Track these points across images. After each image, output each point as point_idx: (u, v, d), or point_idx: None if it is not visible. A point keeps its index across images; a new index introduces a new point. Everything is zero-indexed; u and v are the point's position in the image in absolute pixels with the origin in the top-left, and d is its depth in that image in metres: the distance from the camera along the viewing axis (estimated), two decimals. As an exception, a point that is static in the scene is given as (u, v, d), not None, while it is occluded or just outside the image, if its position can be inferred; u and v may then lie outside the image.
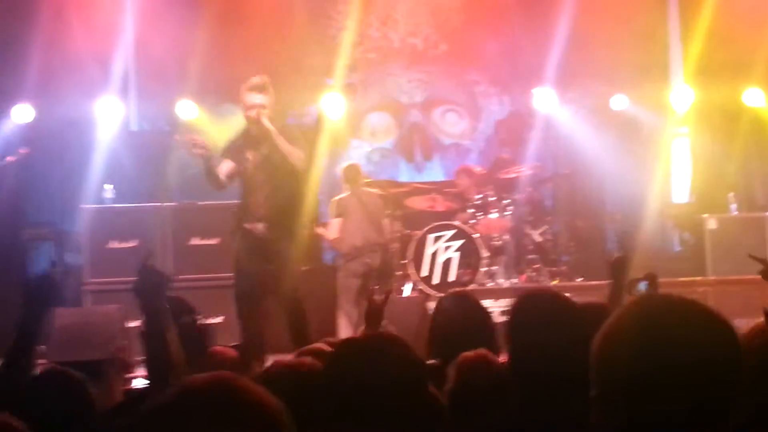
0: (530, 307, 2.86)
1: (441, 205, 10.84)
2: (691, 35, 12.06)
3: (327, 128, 10.73)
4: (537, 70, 12.12)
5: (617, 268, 4.40)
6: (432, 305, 8.93)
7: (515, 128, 12.66)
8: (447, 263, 10.20)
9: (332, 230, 9.73)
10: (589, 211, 11.90)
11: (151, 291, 3.17)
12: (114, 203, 10.45)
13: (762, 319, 2.47)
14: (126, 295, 8.21)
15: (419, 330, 7.98)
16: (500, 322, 3.07)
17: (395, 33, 13.14)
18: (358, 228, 9.60)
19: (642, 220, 11.52)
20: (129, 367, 7.03)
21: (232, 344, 6.89)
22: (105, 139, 11.65)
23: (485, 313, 4.28)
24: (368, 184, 10.25)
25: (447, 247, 10.24)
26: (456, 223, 10.46)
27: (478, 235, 10.26)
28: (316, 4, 12.81)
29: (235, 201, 8.71)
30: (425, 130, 13.12)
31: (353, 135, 12.71)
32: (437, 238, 10.28)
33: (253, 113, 7.41)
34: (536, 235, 10.73)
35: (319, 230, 9.73)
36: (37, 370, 3.54)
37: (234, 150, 7.63)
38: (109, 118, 11.68)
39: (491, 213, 10.50)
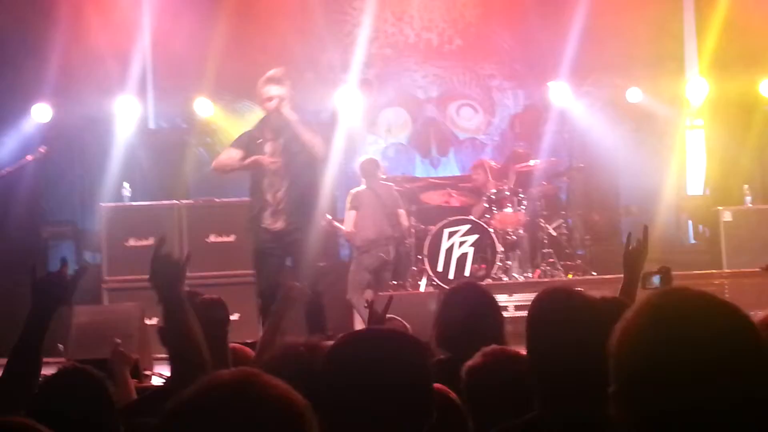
0: (549, 304, 2.82)
1: (456, 200, 10.85)
2: (706, 27, 12.03)
3: (343, 124, 10.77)
4: (552, 63, 12.12)
5: (631, 262, 4.37)
6: (447, 300, 9.01)
7: (530, 122, 12.66)
8: (462, 258, 10.22)
9: (347, 223, 9.79)
10: (605, 205, 11.88)
11: (166, 280, 3.00)
12: (132, 201, 10.53)
13: None
14: (144, 293, 8.31)
15: (433, 325, 8.01)
16: (516, 317, 3.01)
17: (410, 28, 13.16)
18: (372, 221, 9.65)
19: (657, 213, 11.52)
20: (136, 361, 7.08)
21: (249, 341, 6.98)
22: (123, 137, 11.74)
23: (493, 304, 4.26)
24: (385, 179, 10.31)
25: (462, 242, 10.25)
26: (471, 217, 10.47)
27: (493, 229, 10.27)
28: (331, 0, 12.84)
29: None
30: (440, 125, 13.14)
31: (369, 130, 12.75)
32: (452, 233, 10.29)
33: (272, 104, 7.46)
34: (551, 229, 10.72)
35: (335, 224, 9.79)
36: (56, 368, 3.58)
37: (250, 142, 7.65)
38: (127, 117, 11.76)
39: (506, 207, 10.50)
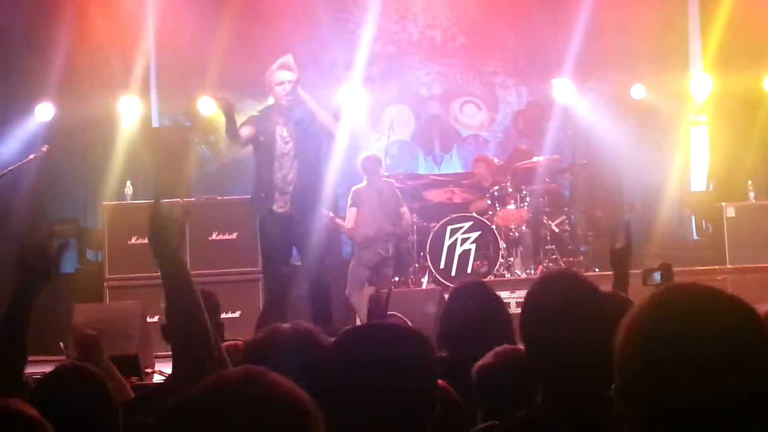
0: (547, 293, 2.75)
1: (459, 197, 10.85)
2: (710, 23, 11.99)
3: (346, 122, 10.77)
4: (555, 60, 12.10)
5: (619, 260, 4.35)
6: (450, 297, 9.02)
7: (533, 119, 12.64)
8: (465, 255, 10.21)
9: (348, 220, 9.81)
10: (608, 201, 11.85)
11: (166, 239, 2.77)
12: (134, 199, 10.54)
13: None
14: (146, 291, 8.38)
15: (437, 322, 8.02)
16: (518, 313, 2.95)
17: (414, 26, 13.16)
18: (372, 218, 9.65)
19: (660, 209, 11.50)
20: (138, 361, 7.09)
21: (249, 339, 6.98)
22: (126, 135, 11.76)
23: (500, 303, 4.25)
24: (387, 176, 10.31)
25: (465, 239, 10.25)
26: (473, 214, 10.47)
27: (495, 226, 10.27)
28: (335, -1, 12.88)
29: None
30: (444, 123, 13.14)
31: (372, 128, 12.75)
32: (455, 230, 10.29)
33: (284, 88, 7.56)
34: (554, 226, 10.71)
35: (336, 221, 9.80)
36: (55, 366, 3.58)
37: (261, 122, 7.74)
38: (130, 115, 11.78)
39: (509, 204, 10.49)
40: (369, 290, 9.51)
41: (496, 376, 3.21)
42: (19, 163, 9.59)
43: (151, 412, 3.45)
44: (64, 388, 3.30)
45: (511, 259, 10.38)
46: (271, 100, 10.57)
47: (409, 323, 7.58)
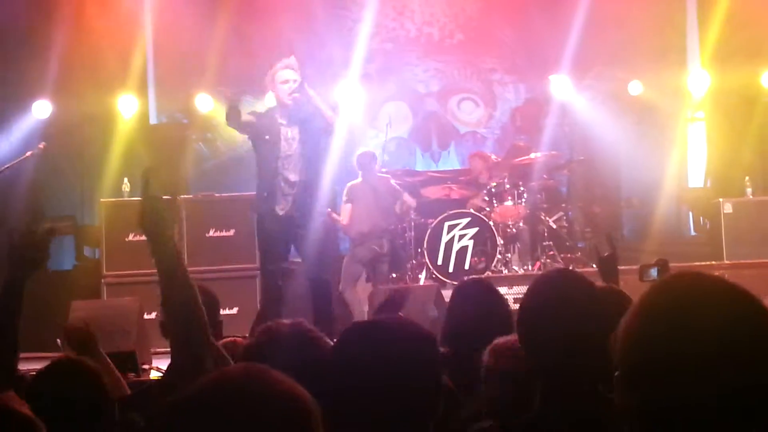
0: (545, 290, 2.77)
1: (456, 193, 10.86)
2: (708, 20, 12.00)
3: (344, 119, 10.76)
4: (553, 57, 12.10)
5: (606, 267, 4.38)
6: (448, 293, 9.02)
7: (531, 115, 12.64)
8: (462, 251, 10.22)
9: (343, 216, 9.81)
10: (605, 197, 11.88)
11: (159, 220, 2.71)
12: (131, 196, 10.54)
13: None
14: (143, 288, 8.37)
15: (434, 318, 8.02)
16: (516, 309, 2.94)
17: (411, 23, 13.15)
18: (367, 214, 9.65)
19: (658, 205, 11.51)
20: (135, 357, 7.09)
21: (247, 335, 6.98)
22: (123, 133, 11.76)
23: (501, 300, 4.25)
24: (385, 171, 10.32)
25: (462, 235, 10.25)
26: (471, 210, 10.47)
27: (493, 222, 10.27)
28: (333, -5, 12.87)
29: (251, 192, 8.79)
30: (441, 119, 13.14)
31: (370, 125, 12.74)
32: (452, 226, 10.29)
33: (289, 86, 7.54)
34: (551, 222, 10.72)
35: (333, 216, 9.81)
36: (52, 360, 3.58)
37: (264, 120, 7.71)
38: (127, 112, 11.78)
39: (506, 200, 10.49)
40: (365, 287, 9.52)
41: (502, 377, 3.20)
42: (17, 161, 9.59)
43: (145, 409, 3.46)
44: (61, 382, 3.31)
45: (509, 255, 10.38)
46: (269, 100, 10.58)
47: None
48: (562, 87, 11.98)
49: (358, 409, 2.26)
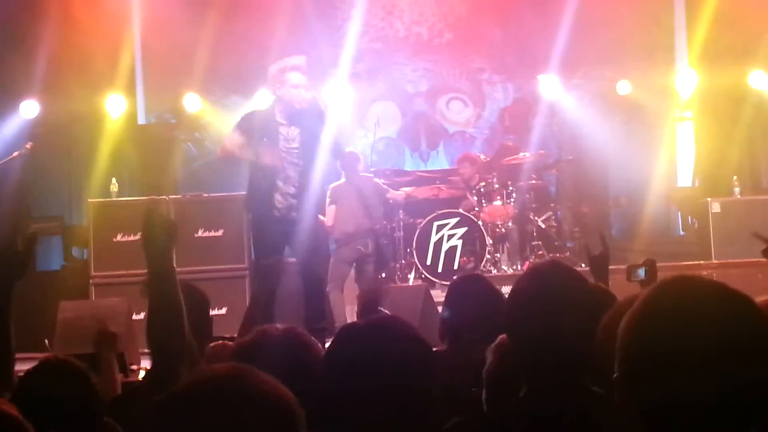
0: (534, 284, 2.71)
1: (445, 193, 10.86)
2: (696, 19, 12.03)
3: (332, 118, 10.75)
4: (542, 56, 12.12)
5: (598, 267, 4.38)
6: (437, 293, 9.03)
7: (520, 115, 12.65)
8: (451, 251, 10.23)
9: (328, 217, 9.78)
10: (594, 197, 11.90)
11: (160, 243, 2.79)
12: (119, 196, 10.52)
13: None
14: (132, 288, 8.35)
15: (423, 318, 8.02)
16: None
17: (400, 22, 13.16)
18: (351, 215, 9.61)
19: (646, 205, 11.54)
20: (121, 354, 7.07)
21: (236, 335, 6.97)
22: (111, 132, 11.73)
23: (498, 295, 4.25)
24: (373, 170, 10.31)
25: (451, 235, 10.26)
26: (460, 210, 10.48)
27: (482, 222, 10.28)
28: (322, -5, 12.86)
29: (240, 192, 8.77)
30: (430, 119, 13.14)
31: (359, 124, 12.74)
32: (441, 226, 10.30)
33: (299, 91, 7.36)
34: (540, 222, 10.74)
35: (319, 218, 9.79)
36: (39, 360, 3.56)
37: (260, 122, 7.53)
38: (115, 112, 11.75)
39: (495, 200, 10.51)
40: (353, 287, 9.50)
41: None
42: (4, 161, 9.57)
43: (136, 409, 3.45)
44: (49, 383, 3.29)
45: (498, 255, 10.40)
46: (258, 100, 10.57)
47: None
48: (550, 86, 12.00)
49: (353, 412, 2.24)
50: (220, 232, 9.84)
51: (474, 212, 10.41)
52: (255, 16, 12.25)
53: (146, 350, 6.92)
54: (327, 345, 2.68)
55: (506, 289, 9.19)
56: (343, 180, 9.82)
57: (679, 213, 12.23)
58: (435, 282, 10.01)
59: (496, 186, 10.54)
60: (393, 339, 2.33)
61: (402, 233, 10.38)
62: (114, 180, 10.64)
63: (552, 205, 11.21)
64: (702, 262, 9.98)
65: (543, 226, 10.75)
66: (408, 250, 10.32)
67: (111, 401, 4.03)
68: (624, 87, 12.01)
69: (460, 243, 10.22)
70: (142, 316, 7.90)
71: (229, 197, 9.87)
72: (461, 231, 10.26)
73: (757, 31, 11.55)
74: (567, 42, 11.86)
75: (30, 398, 3.20)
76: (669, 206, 12.22)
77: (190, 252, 9.48)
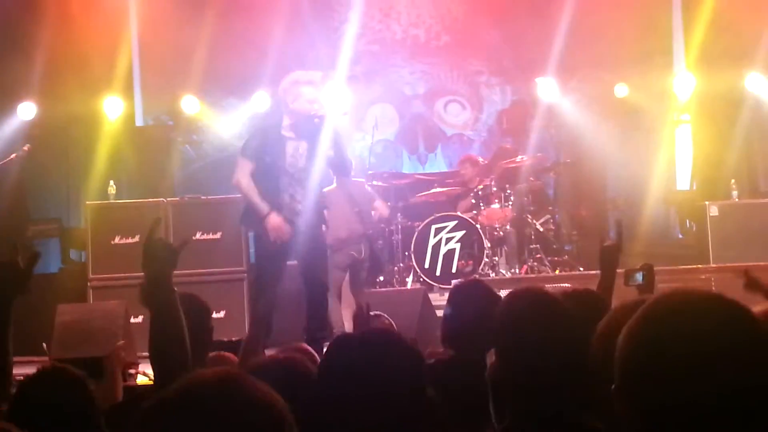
0: (517, 310, 2.78)
1: (443, 196, 10.87)
2: (693, 22, 12.03)
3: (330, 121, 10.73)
4: (539, 59, 12.11)
5: (607, 257, 4.34)
6: (435, 297, 9.02)
7: (518, 118, 12.66)
8: (449, 254, 10.22)
9: None
10: (592, 200, 11.91)
11: (160, 266, 2.84)
12: (117, 199, 10.50)
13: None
14: (130, 291, 8.34)
15: (422, 322, 8.01)
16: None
17: (398, 25, 13.15)
18: (344, 220, 9.52)
19: (644, 208, 11.54)
20: (129, 364, 7.05)
21: (235, 339, 6.96)
22: (109, 134, 11.72)
23: (498, 300, 4.26)
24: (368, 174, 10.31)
25: (449, 238, 10.26)
26: (458, 213, 10.49)
27: (480, 225, 10.28)
28: (319, -3, 12.86)
29: (238, 195, 8.73)
30: (428, 122, 13.14)
31: (356, 127, 12.73)
32: (439, 229, 10.30)
33: (316, 107, 7.21)
34: (538, 225, 10.74)
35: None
36: (36, 368, 3.55)
37: (264, 144, 7.38)
38: (113, 114, 11.73)
39: (493, 203, 10.51)
40: (349, 303, 9.44)
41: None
42: (1, 163, 9.55)
43: (131, 419, 3.44)
44: (47, 391, 3.28)
45: (496, 258, 10.40)
46: (256, 102, 10.54)
47: (393, 324, 7.59)
48: (548, 89, 12.00)
49: (346, 419, 2.26)
50: (218, 235, 9.82)
51: (472, 215, 10.41)
52: (252, 19, 12.25)
53: (145, 354, 6.92)
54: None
55: (504, 293, 9.22)
56: (334, 185, 9.79)
57: (677, 216, 12.24)
58: (433, 285, 10.01)
59: (494, 189, 10.54)
60: (386, 349, 2.36)
61: (400, 236, 10.38)
62: (112, 182, 10.62)
63: (550, 208, 11.22)
64: (700, 266, 9.98)
65: (541, 229, 10.75)
66: (406, 253, 10.32)
67: (111, 408, 4.03)
68: (622, 90, 12.02)
69: (458, 246, 10.22)
70: (140, 319, 7.91)
71: (228, 200, 9.85)
72: (459, 234, 10.26)
73: (753, 35, 11.56)
74: (565, 45, 11.87)
75: (28, 407, 3.19)
76: (667, 209, 12.22)
77: (188, 255, 9.39)
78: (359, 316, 4.29)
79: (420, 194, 10.91)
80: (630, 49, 12.20)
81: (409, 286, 10.06)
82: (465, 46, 13.05)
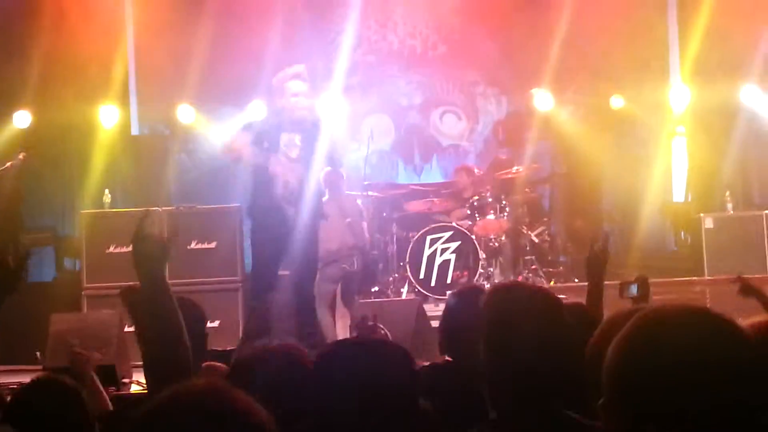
0: (505, 301, 2.76)
1: (438, 206, 10.87)
2: (689, 34, 12.06)
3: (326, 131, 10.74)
4: (535, 70, 12.13)
5: (593, 268, 4.33)
6: (430, 307, 9.02)
7: (513, 129, 12.65)
8: (444, 265, 10.22)
9: None
10: (587, 211, 11.91)
11: (151, 259, 2.80)
12: (112, 208, 10.50)
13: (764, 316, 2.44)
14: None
15: (416, 332, 8.01)
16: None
17: (394, 35, 13.16)
18: (336, 233, 9.52)
19: (639, 220, 11.55)
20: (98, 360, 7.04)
21: (229, 348, 6.95)
22: (104, 143, 11.71)
23: None
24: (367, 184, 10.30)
25: (444, 249, 10.25)
26: (453, 224, 10.48)
27: (475, 236, 10.28)
28: (315, 7, 12.83)
29: (233, 204, 8.76)
30: (424, 132, 13.13)
31: (352, 138, 12.72)
32: (434, 240, 10.30)
33: (299, 100, 7.36)
34: (533, 236, 10.74)
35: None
36: (31, 378, 3.55)
37: (262, 131, 7.51)
38: (108, 123, 11.73)
39: (488, 214, 10.51)
40: (342, 314, 9.42)
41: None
42: (-4, 171, 9.54)
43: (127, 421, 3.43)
44: (41, 400, 3.28)
45: (491, 269, 10.39)
46: (251, 111, 10.55)
47: (388, 334, 7.59)
48: (544, 100, 12.02)
49: (340, 423, 2.27)
50: (213, 245, 9.82)
51: (467, 226, 10.41)
52: (249, 28, 12.25)
53: (138, 363, 6.92)
54: (314, 351, 2.68)
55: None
56: (326, 197, 9.78)
57: (672, 228, 12.25)
58: (428, 296, 10.01)
59: (490, 200, 10.54)
60: (379, 355, 2.37)
61: (395, 247, 10.38)
62: (107, 191, 10.62)
63: (545, 219, 11.23)
64: (695, 278, 9.99)
65: (536, 240, 10.75)
66: (401, 263, 10.31)
67: (104, 416, 4.02)
68: (617, 102, 12.04)
69: (453, 257, 10.22)
70: (134, 328, 7.90)
71: (223, 209, 9.86)
72: (454, 245, 10.25)
73: (749, 47, 11.59)
74: (561, 56, 11.89)
75: (22, 416, 3.19)
76: (662, 221, 12.23)
77: (183, 264, 9.45)
78: (362, 326, 4.29)
79: (415, 204, 10.90)
80: (625, 60, 12.22)
81: (404, 297, 10.04)
82: (461, 56, 13.06)
